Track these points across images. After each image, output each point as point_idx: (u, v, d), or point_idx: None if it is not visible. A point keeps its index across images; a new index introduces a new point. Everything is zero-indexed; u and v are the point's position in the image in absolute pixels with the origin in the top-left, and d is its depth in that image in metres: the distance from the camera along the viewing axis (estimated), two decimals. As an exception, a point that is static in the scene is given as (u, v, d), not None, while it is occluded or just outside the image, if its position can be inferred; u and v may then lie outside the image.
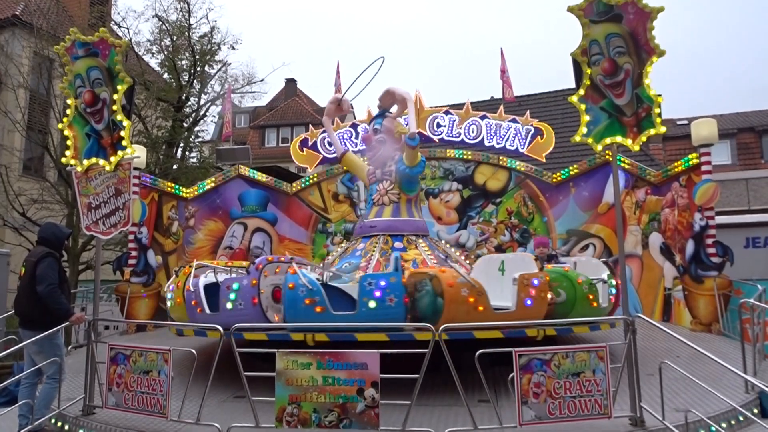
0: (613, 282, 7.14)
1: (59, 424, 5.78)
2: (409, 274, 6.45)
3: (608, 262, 7.63)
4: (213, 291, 6.86)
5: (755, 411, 5.47)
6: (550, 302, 6.40)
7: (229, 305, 6.48)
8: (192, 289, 6.86)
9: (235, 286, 6.56)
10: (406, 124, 9.23)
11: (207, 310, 6.76)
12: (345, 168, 11.08)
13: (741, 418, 5.19)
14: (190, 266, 7.43)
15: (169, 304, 7.78)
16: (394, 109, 9.34)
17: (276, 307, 6.51)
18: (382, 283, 6.13)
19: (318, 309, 6.07)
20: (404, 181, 8.95)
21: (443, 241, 9.99)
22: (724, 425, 5.03)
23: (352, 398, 4.63)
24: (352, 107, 10.03)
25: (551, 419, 4.63)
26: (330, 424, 4.63)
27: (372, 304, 6.03)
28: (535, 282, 6.23)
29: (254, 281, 6.47)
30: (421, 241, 8.75)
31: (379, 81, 9.65)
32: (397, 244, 8.72)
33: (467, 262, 9.35)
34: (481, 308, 6.00)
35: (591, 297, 6.63)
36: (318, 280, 6.43)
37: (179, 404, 5.09)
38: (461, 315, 5.87)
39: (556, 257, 7.97)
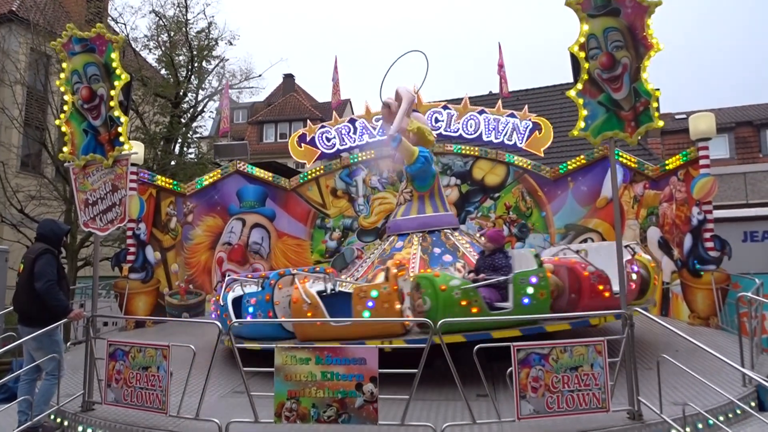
0: (533, 280, 6.19)
1: (58, 420, 5.79)
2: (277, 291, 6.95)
3: (538, 254, 6.80)
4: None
5: (752, 404, 5.49)
6: (419, 310, 6.18)
7: (213, 315, 8.03)
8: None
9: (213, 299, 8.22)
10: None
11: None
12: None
13: (738, 412, 5.21)
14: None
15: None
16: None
17: None
18: (253, 300, 6.99)
19: (228, 321, 6.63)
20: (412, 178, 9.11)
21: (457, 233, 9.40)
22: (721, 418, 5.04)
23: (350, 393, 4.64)
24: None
25: (549, 413, 4.64)
26: (329, 419, 4.64)
27: (249, 318, 6.90)
28: (374, 293, 6.19)
29: (218, 297, 7.78)
30: (416, 238, 8.77)
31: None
32: (399, 244, 8.85)
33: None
34: (318, 323, 6.20)
35: (465, 303, 6.03)
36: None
37: (178, 400, 5.10)
38: (305, 329, 6.32)
39: (500, 252, 7.06)
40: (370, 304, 6.12)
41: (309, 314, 6.25)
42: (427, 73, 9.93)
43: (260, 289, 7.23)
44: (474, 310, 6.03)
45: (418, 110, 9.90)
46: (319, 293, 6.69)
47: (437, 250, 8.51)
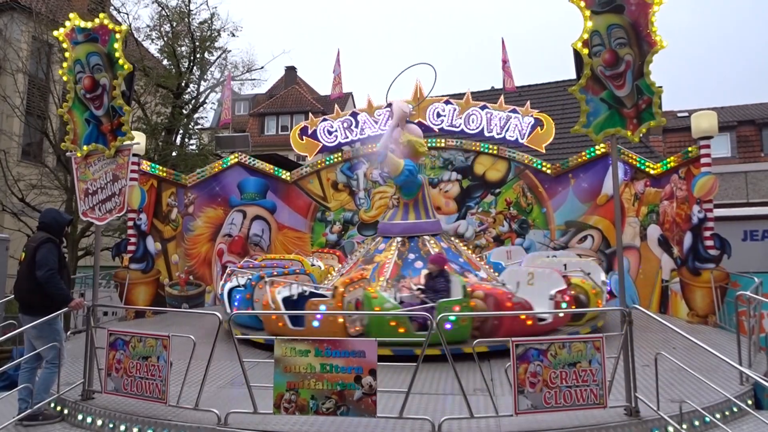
0: (456, 309, 6.97)
1: (59, 408, 5.81)
2: None
3: (465, 285, 7.50)
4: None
5: (749, 402, 5.50)
6: (359, 325, 7.26)
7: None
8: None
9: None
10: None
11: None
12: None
13: (735, 409, 5.22)
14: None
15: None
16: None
17: None
18: (238, 295, 8.56)
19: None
20: (399, 187, 9.50)
21: (434, 240, 9.29)
22: (718, 416, 5.06)
23: (349, 385, 4.66)
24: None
25: (547, 408, 4.66)
26: (327, 411, 4.66)
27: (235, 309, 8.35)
28: (322, 308, 7.36)
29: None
30: (395, 243, 9.07)
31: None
32: (381, 246, 9.24)
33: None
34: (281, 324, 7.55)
35: (394, 323, 6.89)
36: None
37: (178, 390, 5.12)
38: (271, 326, 7.73)
39: (442, 275, 7.67)
40: (318, 316, 7.13)
41: (273, 316, 7.52)
42: (434, 85, 10.87)
43: (243, 288, 8.52)
44: (401, 330, 6.84)
45: (412, 121, 10.46)
46: (287, 298, 7.82)
47: (411, 256, 8.81)
